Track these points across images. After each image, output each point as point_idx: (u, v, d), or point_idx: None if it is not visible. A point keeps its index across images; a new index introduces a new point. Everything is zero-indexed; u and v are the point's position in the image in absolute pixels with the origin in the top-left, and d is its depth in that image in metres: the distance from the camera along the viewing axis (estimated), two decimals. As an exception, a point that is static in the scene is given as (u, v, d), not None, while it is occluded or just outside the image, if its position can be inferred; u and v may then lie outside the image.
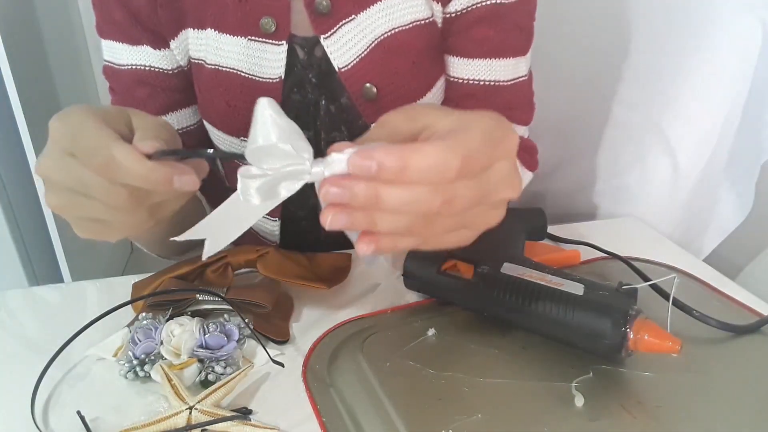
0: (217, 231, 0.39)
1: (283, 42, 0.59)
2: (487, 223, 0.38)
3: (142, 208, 0.40)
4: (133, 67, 0.61)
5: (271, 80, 0.60)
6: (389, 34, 0.59)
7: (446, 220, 0.35)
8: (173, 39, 0.60)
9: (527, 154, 0.72)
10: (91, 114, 0.39)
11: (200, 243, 0.39)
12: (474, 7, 0.61)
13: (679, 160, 0.82)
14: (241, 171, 0.35)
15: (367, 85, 0.60)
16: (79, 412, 0.45)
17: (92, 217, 0.40)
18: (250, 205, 0.36)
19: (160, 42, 0.61)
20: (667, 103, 0.81)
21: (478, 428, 0.44)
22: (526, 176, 0.72)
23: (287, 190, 0.35)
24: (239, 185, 0.35)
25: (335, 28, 0.59)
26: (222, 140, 0.64)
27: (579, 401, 0.47)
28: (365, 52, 0.60)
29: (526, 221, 0.67)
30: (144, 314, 0.53)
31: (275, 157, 0.34)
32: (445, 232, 0.36)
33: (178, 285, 0.57)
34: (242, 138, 0.63)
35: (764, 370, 0.51)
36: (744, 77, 0.75)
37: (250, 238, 0.75)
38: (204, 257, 0.39)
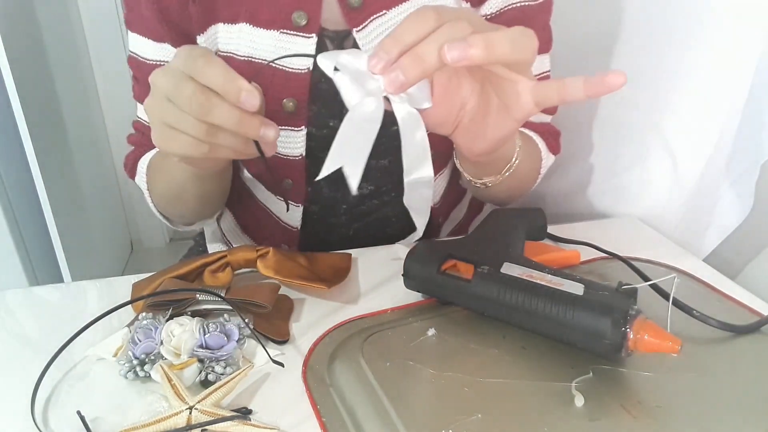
0: (348, 152, 0.42)
1: (313, 35, 0.62)
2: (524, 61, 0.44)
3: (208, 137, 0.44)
4: (158, 62, 0.65)
5: (300, 71, 0.63)
6: None
7: (498, 36, 0.40)
8: (201, 34, 0.63)
9: (552, 138, 0.75)
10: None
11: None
12: (505, 9, 0.65)
13: (679, 160, 0.82)
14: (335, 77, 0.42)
15: None
16: (79, 412, 0.45)
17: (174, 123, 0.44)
18: (361, 113, 0.41)
19: (183, 40, 0.63)
20: (667, 103, 0.81)
21: (478, 428, 0.44)
22: (549, 160, 0.75)
23: (377, 86, 0.41)
24: (338, 82, 0.42)
25: (366, 22, 0.61)
26: None
27: (579, 401, 0.47)
28: None
29: (526, 221, 0.67)
30: (144, 314, 0.53)
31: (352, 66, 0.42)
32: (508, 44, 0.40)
33: (178, 285, 0.57)
34: None
35: (764, 370, 0.51)
36: (744, 77, 0.75)
37: (273, 224, 0.78)
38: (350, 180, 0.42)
